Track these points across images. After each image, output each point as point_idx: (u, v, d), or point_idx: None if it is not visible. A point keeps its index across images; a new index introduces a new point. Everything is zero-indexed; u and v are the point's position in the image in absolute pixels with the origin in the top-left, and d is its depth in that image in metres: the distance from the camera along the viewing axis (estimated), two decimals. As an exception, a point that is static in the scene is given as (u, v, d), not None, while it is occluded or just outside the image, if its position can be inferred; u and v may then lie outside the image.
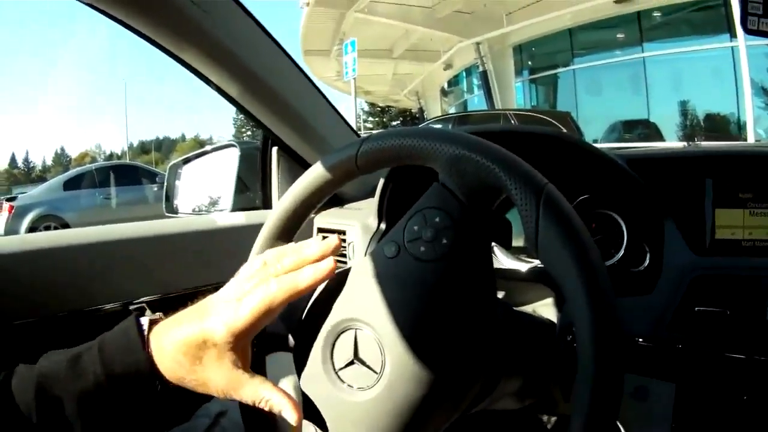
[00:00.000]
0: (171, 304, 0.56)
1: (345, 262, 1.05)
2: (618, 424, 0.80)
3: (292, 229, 0.64)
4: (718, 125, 9.97)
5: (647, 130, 8.93)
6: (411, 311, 0.51)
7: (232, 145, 1.49)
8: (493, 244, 0.89)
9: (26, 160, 53.38)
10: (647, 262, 0.82)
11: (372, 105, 27.02)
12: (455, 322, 0.51)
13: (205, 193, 1.60)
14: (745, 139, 8.39)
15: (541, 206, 0.47)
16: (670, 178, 0.82)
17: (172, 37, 0.96)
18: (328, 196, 0.63)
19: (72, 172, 11.48)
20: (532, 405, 0.70)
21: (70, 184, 9.93)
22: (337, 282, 0.56)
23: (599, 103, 11.93)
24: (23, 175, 49.30)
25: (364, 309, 0.52)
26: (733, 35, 8.66)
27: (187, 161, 1.75)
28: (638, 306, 0.79)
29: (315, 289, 0.55)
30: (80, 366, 0.50)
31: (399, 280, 0.52)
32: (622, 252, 0.84)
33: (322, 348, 0.54)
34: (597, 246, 0.46)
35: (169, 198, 1.68)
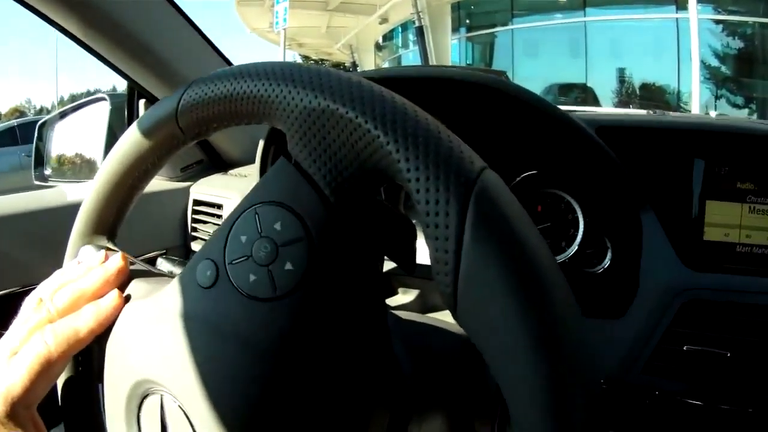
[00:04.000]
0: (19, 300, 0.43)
1: None
2: None
3: (114, 218, 0.46)
4: (658, 96, 10.08)
5: (583, 94, 8.93)
6: (228, 380, 0.30)
7: (102, 99, 1.23)
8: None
9: (-50, 120, 49.53)
10: (608, 262, 0.63)
11: (306, 58, 26.45)
12: (305, 394, 0.30)
13: (76, 157, 1.35)
14: (689, 111, 8.44)
15: (468, 219, 0.24)
16: (649, 155, 0.62)
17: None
18: (156, 171, 0.43)
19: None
20: None
21: (-8, 142, 9.27)
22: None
23: (537, 64, 11.88)
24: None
25: (165, 367, 0.32)
26: (680, 7, 8.64)
27: (63, 116, 1.49)
28: (603, 334, 0.59)
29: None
30: None
31: (213, 326, 0.31)
32: (575, 247, 0.64)
33: (125, 417, 0.37)
34: (544, 237, 0.25)
35: (40, 163, 1.43)
